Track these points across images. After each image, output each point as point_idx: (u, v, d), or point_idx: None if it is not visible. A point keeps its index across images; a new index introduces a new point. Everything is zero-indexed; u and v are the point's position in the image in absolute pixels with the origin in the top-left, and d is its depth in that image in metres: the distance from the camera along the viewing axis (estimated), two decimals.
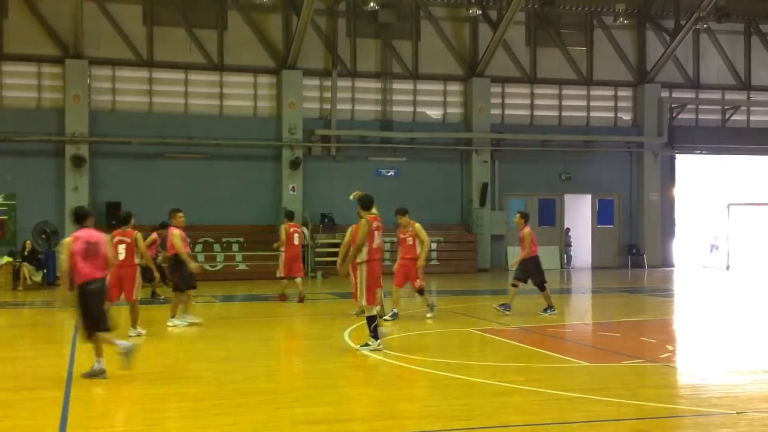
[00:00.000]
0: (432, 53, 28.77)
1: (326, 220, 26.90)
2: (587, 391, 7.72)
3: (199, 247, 25.42)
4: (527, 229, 13.98)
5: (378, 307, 10.81)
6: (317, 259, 25.43)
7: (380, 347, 9.85)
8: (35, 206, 24.42)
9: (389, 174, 28.39)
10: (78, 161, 24.95)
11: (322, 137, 27.86)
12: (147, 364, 9.62)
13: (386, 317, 12.75)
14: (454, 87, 29.27)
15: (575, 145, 29.61)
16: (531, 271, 14.03)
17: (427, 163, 28.39)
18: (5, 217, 24.62)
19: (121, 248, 11.88)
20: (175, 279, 13.23)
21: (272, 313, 15.73)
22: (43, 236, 23.52)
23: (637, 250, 29.34)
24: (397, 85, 28.69)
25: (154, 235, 16.17)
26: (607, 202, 29.69)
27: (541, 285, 14.11)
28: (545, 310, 14.00)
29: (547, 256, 28.98)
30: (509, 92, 29.60)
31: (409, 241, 13.15)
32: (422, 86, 29.00)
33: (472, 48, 29.01)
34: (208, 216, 26.02)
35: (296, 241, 16.74)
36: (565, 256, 29.54)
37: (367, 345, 9.94)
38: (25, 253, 22.11)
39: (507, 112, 29.60)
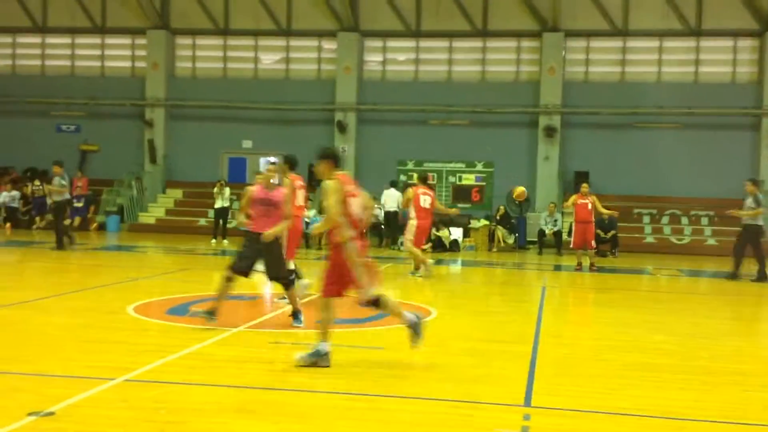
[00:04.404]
0: None
1: None
2: None
3: (665, 219, 24.90)
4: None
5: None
6: None
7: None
8: (510, 174, 26.06)
9: None
10: (550, 131, 26.00)
11: None
12: (611, 332, 9.77)
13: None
14: None
15: None
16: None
17: None
18: (483, 183, 26.69)
19: None
20: None
21: (740, 291, 14.75)
22: (516, 202, 25.01)
23: None
24: None
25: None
26: None
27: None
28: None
29: None
30: None
31: (589, 206, 16.98)
32: None
33: None
34: (675, 187, 25.28)
35: None
36: None
37: (283, 298, 10.11)
38: (498, 217, 23.75)
39: None
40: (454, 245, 22.81)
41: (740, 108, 25.55)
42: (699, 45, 26.20)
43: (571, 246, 17.81)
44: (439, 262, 19.39)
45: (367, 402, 6.04)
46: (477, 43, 27.44)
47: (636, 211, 25.54)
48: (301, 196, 11.00)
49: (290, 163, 10.81)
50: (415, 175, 15.60)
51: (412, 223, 14.72)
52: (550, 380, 6.82)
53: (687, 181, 25.10)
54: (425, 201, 14.76)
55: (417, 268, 14.87)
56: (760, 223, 15.69)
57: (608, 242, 21.85)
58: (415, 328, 7.31)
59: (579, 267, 17.42)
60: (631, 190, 25.83)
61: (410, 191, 14.83)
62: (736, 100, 25.65)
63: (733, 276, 15.71)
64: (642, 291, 15.33)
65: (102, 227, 26.10)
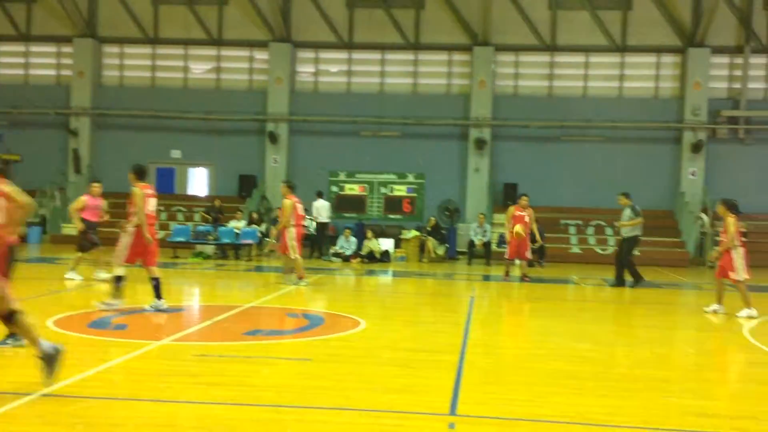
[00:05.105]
0: None
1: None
2: None
3: (590, 230, 25.43)
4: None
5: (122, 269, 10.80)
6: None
7: (117, 305, 10.63)
8: (440, 185, 26.30)
9: None
10: (480, 144, 26.35)
11: (729, 119, 26.06)
12: (537, 341, 9.92)
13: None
14: None
15: None
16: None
17: None
18: (415, 195, 26.86)
19: None
20: (80, 239, 14.85)
21: (663, 300, 15.17)
22: (447, 213, 25.27)
23: None
24: None
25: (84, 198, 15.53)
26: None
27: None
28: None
29: None
30: None
31: (527, 218, 17.38)
32: None
33: None
34: (602, 199, 25.86)
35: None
36: None
37: (109, 303, 10.66)
38: (429, 228, 23.92)
39: None
40: (385, 256, 22.86)
41: (663, 122, 26.31)
42: (624, 61, 26.91)
43: (506, 256, 17.98)
44: (370, 272, 19.42)
45: (293, 414, 5.99)
46: (409, 56, 27.66)
47: (563, 222, 26.05)
48: (152, 203, 10.90)
49: (138, 173, 10.85)
50: (284, 183, 15.53)
51: (293, 231, 14.89)
52: (475, 389, 6.88)
53: (612, 193, 25.50)
54: (300, 209, 15.36)
55: (301, 278, 14.98)
56: (638, 233, 16.59)
57: (536, 252, 22.16)
58: (50, 361, 6.33)
59: (506, 276, 17.64)
60: (559, 202, 26.35)
61: (290, 200, 14.93)
62: (659, 115, 26.41)
63: (620, 283, 16.57)
64: (567, 300, 15.61)
65: (23, 239, 25.32)
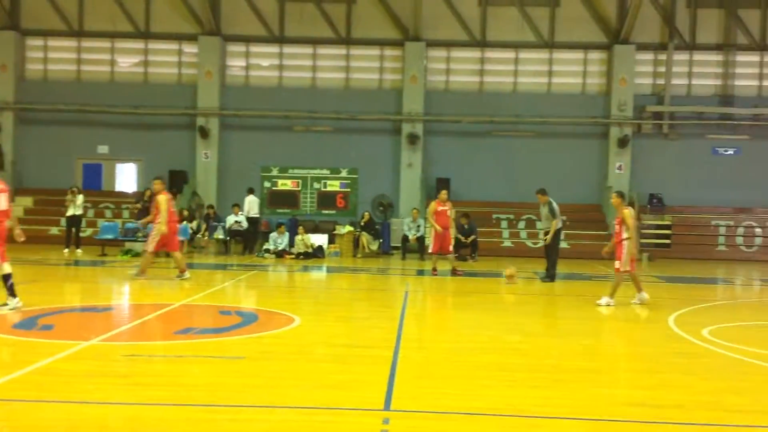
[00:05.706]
0: None
1: (654, 200, 25.91)
2: None
3: (522, 224, 25.79)
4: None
5: (6, 265, 10.31)
6: (643, 240, 24.42)
7: (19, 304, 10.24)
8: (374, 180, 26.34)
9: (728, 153, 26.56)
10: (413, 139, 26.47)
11: (654, 114, 26.76)
12: (470, 334, 10.03)
13: None
14: None
15: None
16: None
17: None
18: (348, 190, 26.83)
19: None
20: None
21: (592, 293, 15.47)
22: (380, 208, 25.33)
23: None
24: (741, 58, 26.63)
25: None
26: None
27: None
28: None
29: None
30: None
31: (449, 212, 17.43)
32: None
33: None
34: (532, 194, 26.19)
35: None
36: None
37: (6, 305, 10.24)
38: (362, 223, 23.93)
39: None
40: (319, 251, 22.79)
41: (590, 117, 26.85)
42: (552, 57, 27.36)
43: (430, 251, 18.11)
44: (304, 269, 19.34)
45: (225, 413, 5.93)
46: (341, 51, 27.61)
47: (495, 216, 26.38)
48: (3, 199, 10.55)
49: None
50: (159, 180, 15.54)
51: (164, 228, 14.90)
52: (410, 383, 6.92)
53: (541, 187, 26.10)
54: (173, 205, 15.46)
55: (143, 272, 15.08)
56: (559, 225, 17.00)
57: (468, 246, 22.47)
58: None
59: (435, 272, 17.75)
60: (491, 196, 26.68)
61: (165, 196, 14.93)
62: (586, 110, 26.94)
63: (552, 277, 16.86)
64: (499, 294, 15.78)
65: None
